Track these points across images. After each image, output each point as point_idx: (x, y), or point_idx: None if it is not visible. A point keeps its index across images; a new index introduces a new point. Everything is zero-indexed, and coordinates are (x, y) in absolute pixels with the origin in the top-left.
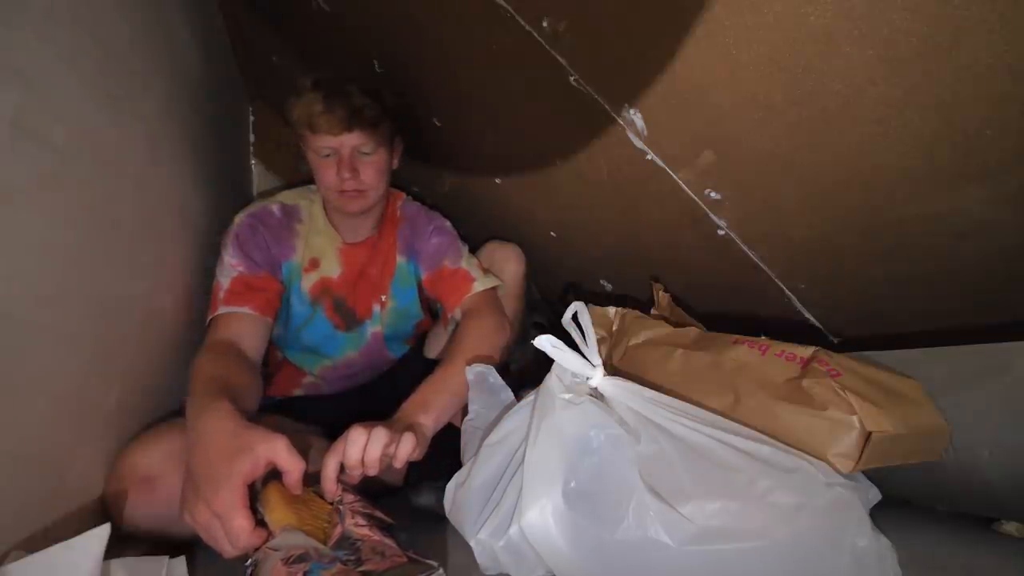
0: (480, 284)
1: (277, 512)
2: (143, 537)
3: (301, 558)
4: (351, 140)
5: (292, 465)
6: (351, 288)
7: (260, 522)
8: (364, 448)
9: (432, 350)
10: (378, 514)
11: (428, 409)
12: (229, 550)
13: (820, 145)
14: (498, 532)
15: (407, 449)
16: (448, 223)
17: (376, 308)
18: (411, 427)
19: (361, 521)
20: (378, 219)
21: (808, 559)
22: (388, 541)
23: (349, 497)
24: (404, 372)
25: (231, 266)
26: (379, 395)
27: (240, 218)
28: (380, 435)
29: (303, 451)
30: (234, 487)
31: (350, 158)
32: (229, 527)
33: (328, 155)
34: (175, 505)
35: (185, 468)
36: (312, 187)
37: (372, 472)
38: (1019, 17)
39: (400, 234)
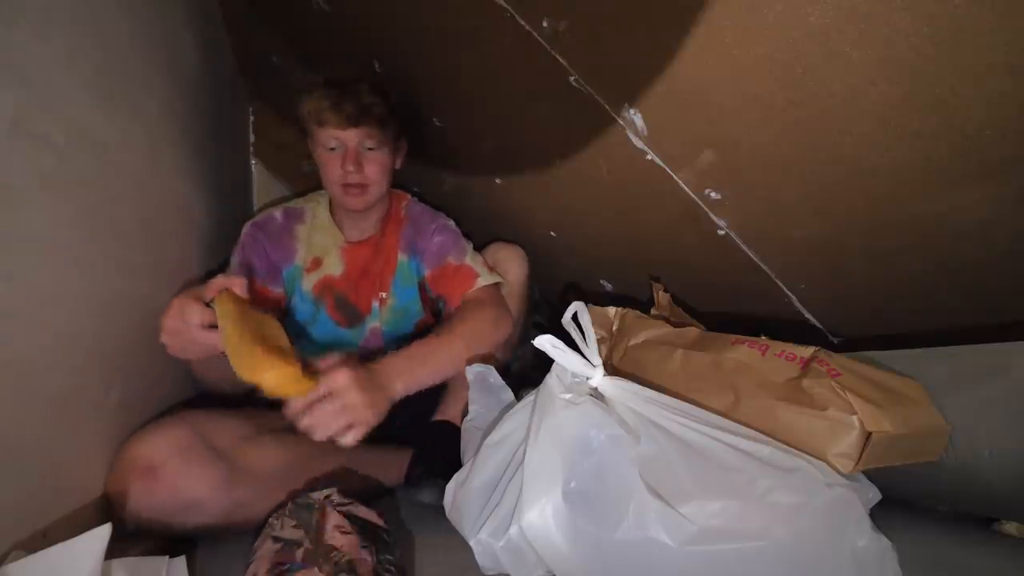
0: (484, 280)
1: (227, 304)
2: (146, 531)
3: (290, 550)
4: (357, 134)
5: (234, 280)
6: (353, 286)
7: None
8: (325, 413)
9: None
10: (370, 518)
11: (404, 378)
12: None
13: (820, 145)
14: (498, 532)
15: (346, 442)
16: (452, 222)
17: (375, 304)
18: (371, 409)
19: (345, 527)
20: (381, 217)
21: (808, 559)
22: (364, 555)
23: (338, 498)
24: None
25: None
26: None
27: (246, 227)
28: (337, 419)
29: (302, 451)
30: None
31: (356, 152)
32: (174, 306)
33: (334, 148)
34: (176, 496)
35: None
36: (322, 192)
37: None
38: (1019, 17)
39: (403, 233)
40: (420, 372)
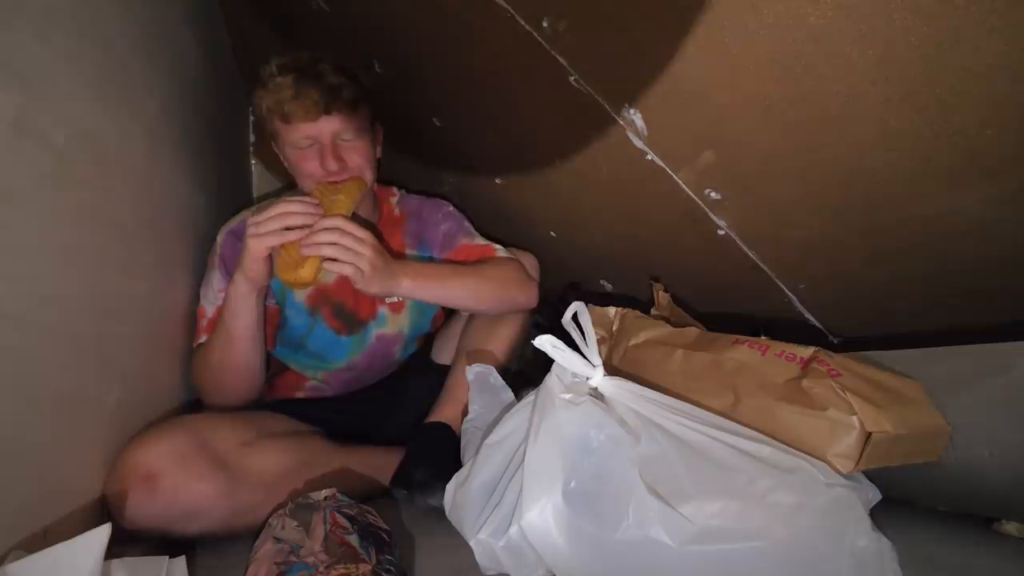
0: (503, 252)
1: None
2: (144, 536)
3: (291, 552)
4: (330, 125)
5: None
6: (351, 292)
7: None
8: (355, 232)
9: (441, 354)
10: (370, 518)
11: (414, 277)
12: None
13: (820, 145)
14: (498, 532)
15: (330, 267)
16: (453, 208)
17: (382, 310)
18: (374, 271)
19: (345, 527)
20: (370, 215)
21: (808, 559)
22: (364, 556)
23: (338, 499)
24: (409, 375)
25: (217, 292)
26: (383, 398)
27: (220, 237)
28: (345, 251)
29: (303, 456)
30: None
31: (333, 145)
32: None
33: (307, 146)
34: (176, 504)
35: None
36: (299, 189)
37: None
38: (1019, 17)
39: (406, 229)
40: (429, 283)
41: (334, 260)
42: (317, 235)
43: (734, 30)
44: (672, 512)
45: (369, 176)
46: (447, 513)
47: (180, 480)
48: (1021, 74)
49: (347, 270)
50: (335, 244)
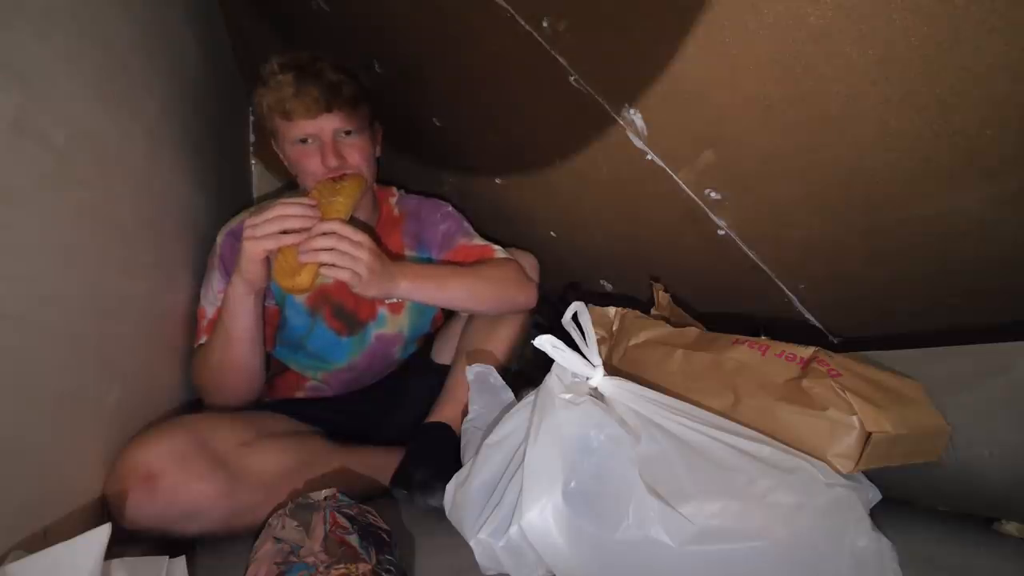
0: (501, 253)
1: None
2: (144, 536)
3: (291, 552)
4: (330, 122)
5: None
6: (350, 292)
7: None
8: (352, 237)
9: (441, 354)
10: (370, 518)
11: (411, 279)
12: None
13: (820, 145)
14: (498, 532)
15: (328, 272)
16: (452, 208)
17: (382, 310)
18: (372, 275)
19: (345, 527)
20: (369, 216)
21: (808, 559)
22: (364, 556)
23: (338, 499)
24: (409, 375)
25: (217, 293)
26: (383, 398)
27: (220, 238)
28: (341, 256)
29: (303, 456)
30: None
31: (333, 142)
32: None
33: (306, 141)
34: (176, 504)
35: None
36: (297, 190)
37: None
38: (1019, 17)
39: (405, 229)
40: (427, 284)
41: (331, 265)
42: (314, 241)
43: (734, 30)
44: (672, 512)
45: (368, 175)
46: (447, 513)
47: (180, 480)
48: (1021, 74)
49: (344, 275)
50: (332, 249)
